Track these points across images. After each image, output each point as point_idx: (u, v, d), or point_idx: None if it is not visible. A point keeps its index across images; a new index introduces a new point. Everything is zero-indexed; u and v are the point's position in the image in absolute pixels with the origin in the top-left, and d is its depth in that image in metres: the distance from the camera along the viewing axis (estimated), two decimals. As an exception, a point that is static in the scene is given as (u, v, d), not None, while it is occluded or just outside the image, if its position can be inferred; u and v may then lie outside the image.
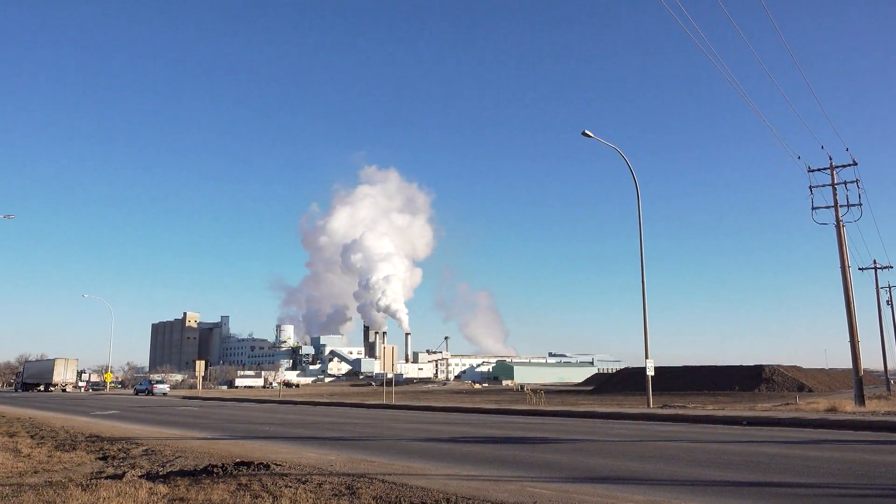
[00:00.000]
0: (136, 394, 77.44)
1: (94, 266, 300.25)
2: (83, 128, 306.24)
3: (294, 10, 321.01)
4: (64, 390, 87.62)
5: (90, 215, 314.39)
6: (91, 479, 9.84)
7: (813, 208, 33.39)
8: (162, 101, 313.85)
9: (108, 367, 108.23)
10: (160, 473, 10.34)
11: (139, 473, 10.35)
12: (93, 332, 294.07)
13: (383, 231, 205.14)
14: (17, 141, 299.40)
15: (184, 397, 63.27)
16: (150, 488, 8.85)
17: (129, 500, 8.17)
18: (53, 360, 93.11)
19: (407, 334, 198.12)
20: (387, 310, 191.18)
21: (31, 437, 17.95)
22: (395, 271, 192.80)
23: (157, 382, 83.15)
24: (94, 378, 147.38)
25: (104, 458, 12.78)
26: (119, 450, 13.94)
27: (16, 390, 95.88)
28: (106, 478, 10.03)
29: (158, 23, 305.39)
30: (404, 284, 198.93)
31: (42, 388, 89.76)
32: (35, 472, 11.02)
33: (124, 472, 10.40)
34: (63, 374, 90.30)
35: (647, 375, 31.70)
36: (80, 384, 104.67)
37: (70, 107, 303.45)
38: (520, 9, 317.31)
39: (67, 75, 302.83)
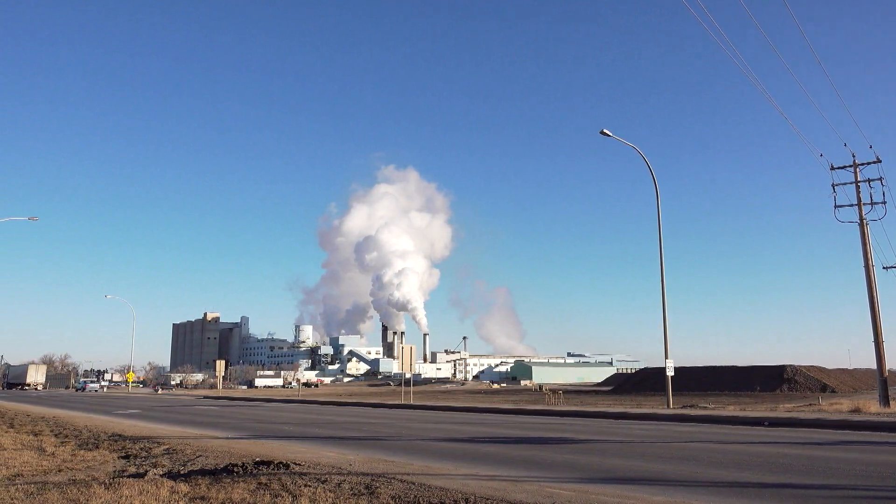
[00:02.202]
0: (77, 391, 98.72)
1: (116, 267, 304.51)
2: (105, 130, 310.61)
3: (314, 12, 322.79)
4: (36, 389, 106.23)
5: (112, 217, 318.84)
6: (114, 478, 9.96)
7: (836, 206, 32.93)
8: (184, 104, 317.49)
9: (129, 366, 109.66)
10: (181, 472, 10.44)
11: (161, 472, 10.46)
12: (115, 332, 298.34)
13: (402, 229, 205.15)
14: (40, 143, 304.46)
15: (204, 397, 63.85)
16: (172, 487, 8.94)
17: (151, 499, 8.26)
18: (27, 365, 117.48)
19: (425, 334, 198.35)
20: (398, 303, 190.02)
21: (55, 435, 18.21)
22: (410, 266, 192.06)
23: (91, 382, 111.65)
24: (117, 378, 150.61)
25: (126, 457, 12.93)
26: (141, 449, 14.10)
27: (1, 388, 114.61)
28: (128, 476, 10.15)
29: (183, 25, 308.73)
30: (421, 281, 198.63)
31: (20, 387, 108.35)
32: (59, 471, 11.17)
33: (146, 471, 10.51)
34: (35, 377, 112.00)
35: (667, 376, 31.44)
36: (97, 382, 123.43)
37: (93, 109, 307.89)
38: (538, 9, 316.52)
39: (89, 76, 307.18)
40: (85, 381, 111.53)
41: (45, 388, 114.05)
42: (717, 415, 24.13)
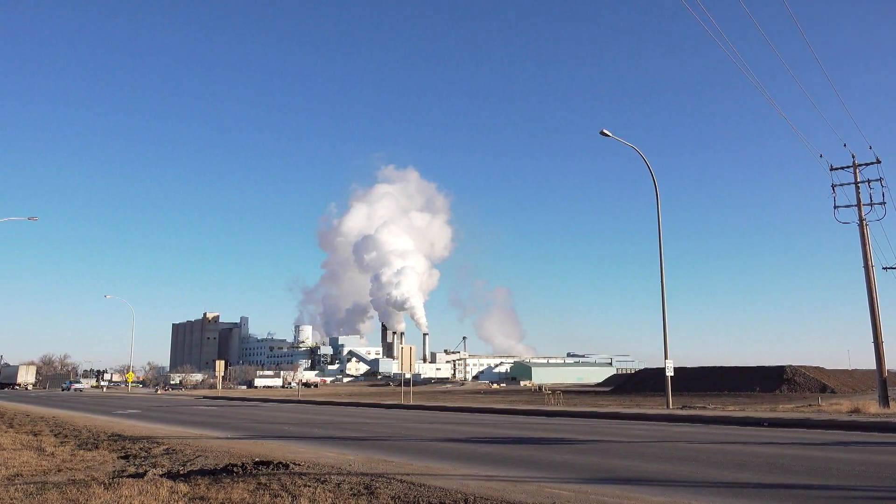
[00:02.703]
0: (63, 390, 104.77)
1: (116, 267, 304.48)
2: (105, 130, 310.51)
3: (314, 12, 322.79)
4: (26, 388, 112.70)
5: (112, 217, 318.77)
6: (113, 478, 9.96)
7: (835, 207, 32.91)
8: (184, 104, 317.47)
9: (129, 366, 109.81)
10: (181, 472, 10.43)
11: (160, 472, 10.45)
12: (115, 332, 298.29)
13: (402, 229, 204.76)
14: (40, 143, 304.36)
15: (204, 397, 63.82)
16: (171, 487, 8.93)
17: (151, 499, 8.26)
18: (17, 366, 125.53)
19: (425, 334, 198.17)
20: (397, 302, 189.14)
21: (55, 435, 18.20)
22: (410, 265, 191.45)
23: (75, 382, 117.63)
24: (117, 377, 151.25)
25: (126, 457, 12.92)
26: (140, 449, 14.10)
27: None
28: (128, 476, 10.15)
29: (183, 25, 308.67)
30: (421, 281, 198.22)
31: (11, 386, 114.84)
32: (59, 471, 11.17)
33: (146, 471, 10.51)
34: (25, 377, 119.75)
35: (667, 376, 31.44)
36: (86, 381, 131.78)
37: (93, 109, 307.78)
38: (538, 9, 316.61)
39: (89, 76, 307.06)
40: (70, 382, 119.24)
41: (35, 387, 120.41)
42: (716, 415, 24.13)
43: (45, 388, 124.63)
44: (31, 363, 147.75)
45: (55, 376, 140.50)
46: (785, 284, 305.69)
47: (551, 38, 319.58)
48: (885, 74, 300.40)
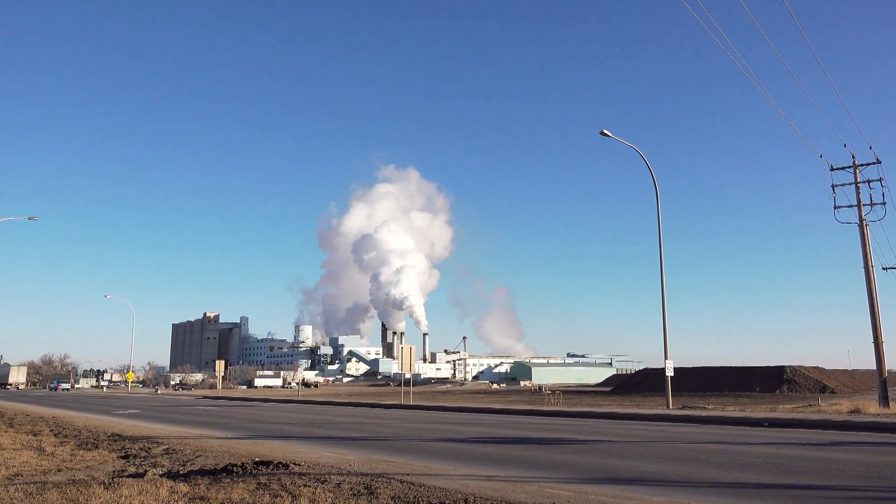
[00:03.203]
0: (51, 390, 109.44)
1: (116, 267, 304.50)
2: (105, 130, 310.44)
3: (314, 12, 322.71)
4: (17, 388, 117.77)
5: (112, 217, 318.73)
6: (113, 478, 9.96)
7: (835, 207, 32.92)
8: (184, 104, 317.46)
9: (129, 366, 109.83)
10: (181, 472, 10.43)
11: (160, 472, 10.45)
12: (115, 332, 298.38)
13: (402, 228, 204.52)
14: (40, 143, 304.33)
15: (204, 397, 63.83)
16: (171, 487, 8.93)
17: (151, 499, 8.26)
18: (10, 366, 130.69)
19: (424, 334, 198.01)
20: (396, 301, 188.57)
21: (55, 435, 18.20)
22: (410, 264, 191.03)
23: (62, 382, 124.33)
24: (117, 377, 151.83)
25: (126, 457, 12.92)
26: (140, 449, 14.09)
27: None
28: (128, 476, 10.15)
29: (184, 25, 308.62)
30: (421, 281, 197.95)
31: (3, 386, 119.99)
32: (59, 471, 11.17)
33: (146, 471, 10.51)
34: (16, 377, 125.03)
35: (667, 376, 31.43)
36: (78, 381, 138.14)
37: (93, 109, 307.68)
38: (538, 9, 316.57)
39: (89, 76, 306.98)
40: (57, 382, 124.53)
41: (34, 387, 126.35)
42: (716, 415, 24.12)
43: (44, 387, 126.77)
44: (31, 362, 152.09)
45: (55, 376, 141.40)
46: (785, 284, 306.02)
47: (551, 38, 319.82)
48: (885, 74, 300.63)
